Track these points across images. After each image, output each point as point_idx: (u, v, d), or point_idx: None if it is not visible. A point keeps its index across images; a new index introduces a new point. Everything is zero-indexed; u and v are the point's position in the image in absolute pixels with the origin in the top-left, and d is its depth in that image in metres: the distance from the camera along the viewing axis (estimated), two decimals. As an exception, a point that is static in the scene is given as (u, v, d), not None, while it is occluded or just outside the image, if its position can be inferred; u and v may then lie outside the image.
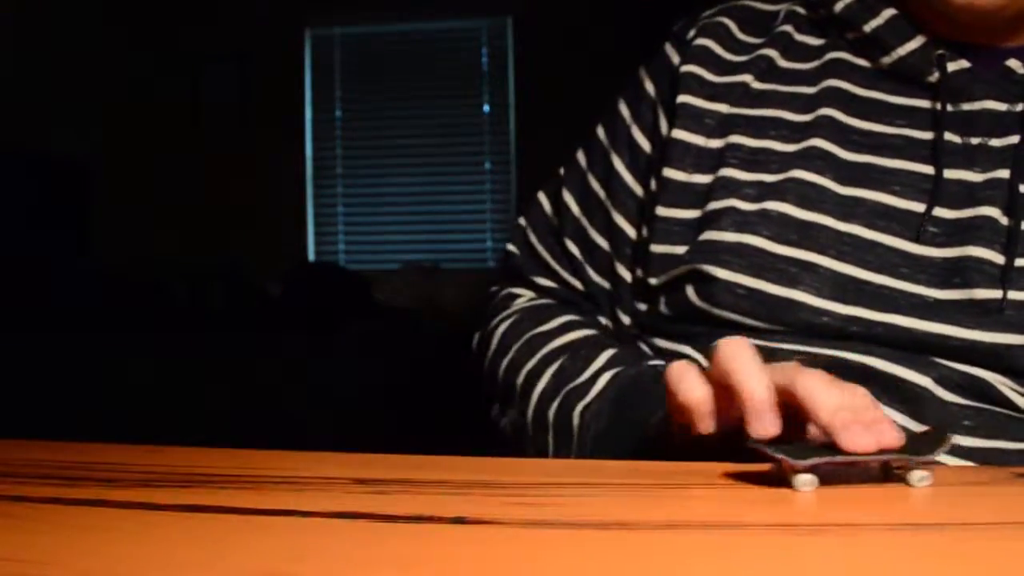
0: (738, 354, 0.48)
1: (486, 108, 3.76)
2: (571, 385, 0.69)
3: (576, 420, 0.67)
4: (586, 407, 0.67)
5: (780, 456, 0.43)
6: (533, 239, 0.83)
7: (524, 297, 0.83)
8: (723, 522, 0.38)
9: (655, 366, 0.67)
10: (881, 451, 0.43)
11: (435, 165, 3.79)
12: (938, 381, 0.61)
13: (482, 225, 3.79)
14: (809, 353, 0.63)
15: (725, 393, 0.48)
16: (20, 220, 3.06)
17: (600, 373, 0.68)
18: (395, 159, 3.82)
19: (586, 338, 0.74)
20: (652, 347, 0.73)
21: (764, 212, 0.66)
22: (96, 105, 3.74)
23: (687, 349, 0.68)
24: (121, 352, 2.34)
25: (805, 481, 0.43)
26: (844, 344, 0.63)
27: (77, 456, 0.54)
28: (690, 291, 0.67)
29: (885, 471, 0.45)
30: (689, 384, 0.50)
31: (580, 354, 0.71)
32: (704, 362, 0.65)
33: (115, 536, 0.36)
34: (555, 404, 0.69)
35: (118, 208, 3.70)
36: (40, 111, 3.51)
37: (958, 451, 0.60)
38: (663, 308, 0.71)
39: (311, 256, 3.86)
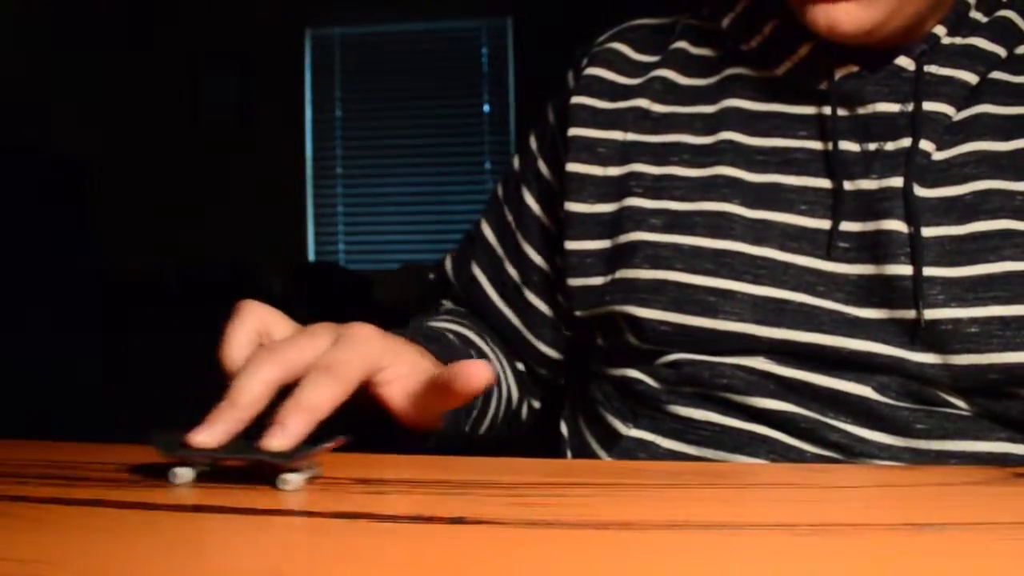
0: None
1: (486, 108, 3.77)
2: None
3: None
4: None
5: (170, 454, 0.44)
6: (448, 264, 0.84)
7: (446, 306, 0.84)
8: (723, 522, 0.38)
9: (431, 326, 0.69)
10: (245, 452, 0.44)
11: (435, 165, 3.79)
12: (878, 390, 0.61)
13: (482, 225, 3.79)
14: (749, 369, 0.63)
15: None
16: (20, 220, 3.06)
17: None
18: (395, 159, 3.82)
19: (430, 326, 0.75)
20: (599, 373, 0.73)
21: (676, 246, 0.65)
22: (96, 105, 3.74)
23: (633, 372, 0.68)
24: (121, 352, 2.34)
25: (175, 475, 0.45)
26: (782, 359, 0.63)
27: (77, 456, 0.54)
28: (619, 328, 0.68)
29: (260, 470, 0.45)
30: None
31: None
32: (653, 383, 0.66)
33: (115, 536, 0.36)
34: None
35: (118, 208, 3.70)
36: (40, 111, 3.51)
37: (919, 456, 0.60)
38: (599, 341, 0.72)
39: (311, 256, 3.86)
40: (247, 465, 0.45)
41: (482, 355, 0.73)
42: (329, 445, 0.46)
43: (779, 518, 0.39)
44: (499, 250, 0.80)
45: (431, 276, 0.87)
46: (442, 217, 3.80)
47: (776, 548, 0.34)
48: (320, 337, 0.50)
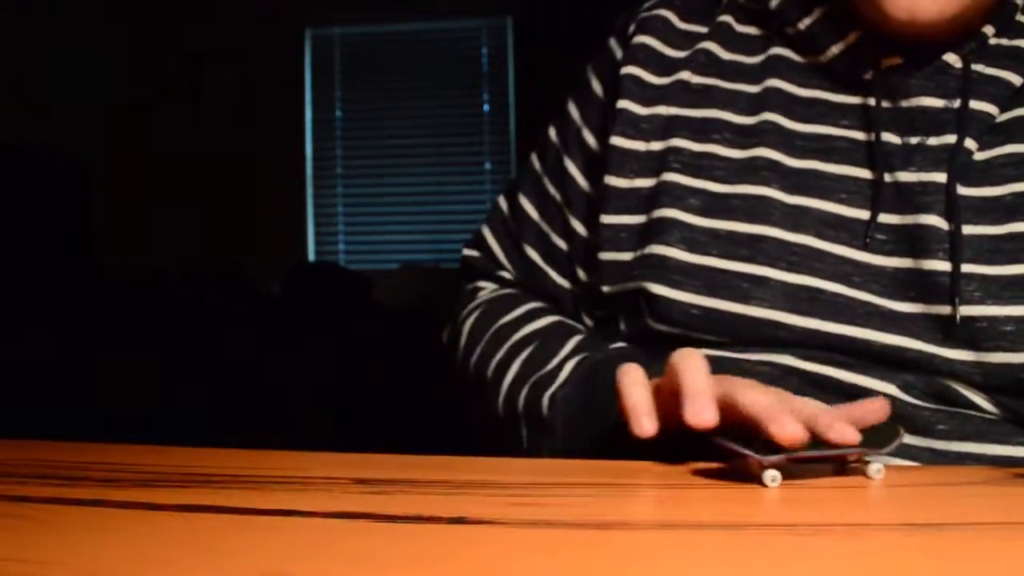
0: (687, 361, 0.51)
1: (486, 108, 3.76)
2: (540, 373, 0.69)
3: (546, 405, 0.67)
4: (554, 392, 0.67)
5: (747, 452, 0.45)
6: (493, 243, 0.83)
7: (487, 289, 0.83)
8: (723, 522, 0.38)
9: (621, 349, 0.68)
10: (838, 447, 0.46)
11: (435, 165, 3.79)
12: (903, 389, 0.61)
13: (482, 225, 3.79)
14: (773, 364, 0.63)
15: (675, 399, 0.50)
16: (20, 220, 3.06)
17: (567, 359, 0.69)
18: (395, 159, 3.82)
19: (552, 325, 0.74)
20: None
21: (713, 231, 0.65)
22: (96, 105, 3.74)
23: (657, 367, 0.68)
24: (121, 352, 2.34)
25: (771, 476, 0.45)
26: (806, 353, 0.62)
27: (77, 456, 0.54)
28: (643, 310, 0.67)
29: (843, 466, 0.49)
30: (629, 387, 0.51)
31: (547, 342, 0.71)
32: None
33: (115, 536, 0.36)
34: (524, 392, 0.70)
35: (118, 208, 3.70)
36: (40, 111, 3.51)
37: (938, 456, 0.60)
38: (622, 326, 0.71)
39: (311, 256, 3.86)
40: (827, 460, 0.47)
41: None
42: (895, 444, 0.48)
43: (779, 518, 0.39)
44: (543, 225, 0.79)
45: (470, 253, 0.85)
46: (442, 217, 3.79)
47: (776, 548, 0.34)
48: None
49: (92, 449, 0.56)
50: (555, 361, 0.69)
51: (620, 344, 0.69)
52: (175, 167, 3.82)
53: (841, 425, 0.46)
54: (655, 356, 0.67)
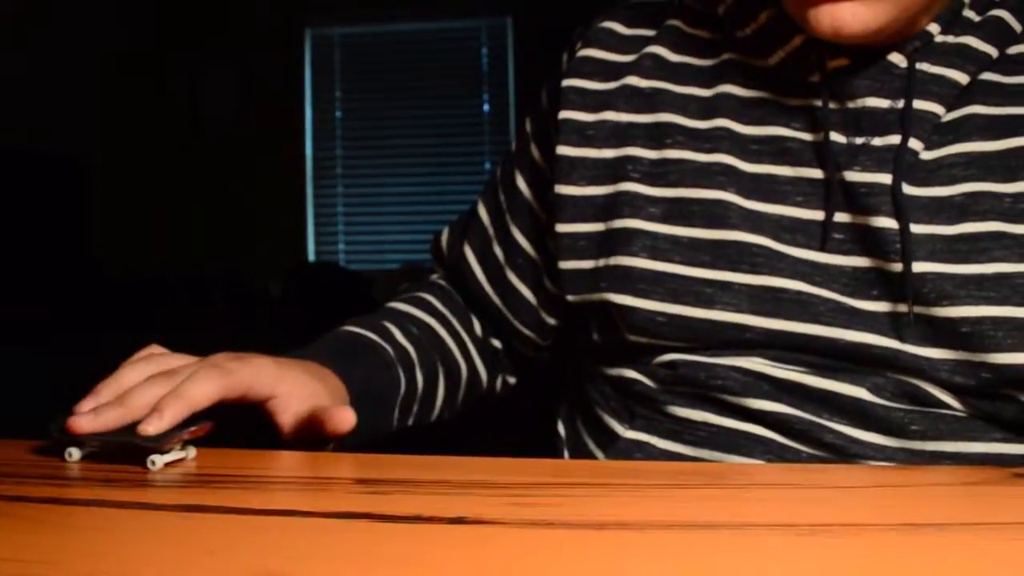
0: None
1: (486, 108, 3.77)
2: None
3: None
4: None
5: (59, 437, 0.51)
6: (444, 236, 0.86)
7: (425, 281, 0.86)
8: (723, 522, 0.38)
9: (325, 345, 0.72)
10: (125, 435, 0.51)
11: (435, 165, 3.79)
12: (873, 391, 0.61)
13: (482, 225, 3.79)
14: (743, 370, 0.63)
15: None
16: (20, 220, 3.06)
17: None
18: (395, 159, 3.82)
19: (388, 309, 0.78)
20: (596, 374, 0.73)
21: (675, 238, 0.65)
22: (96, 105, 3.74)
23: (630, 372, 0.68)
24: (121, 352, 2.34)
25: (72, 453, 0.52)
26: (774, 355, 0.63)
27: (77, 456, 0.54)
28: (612, 321, 0.68)
29: (137, 451, 0.51)
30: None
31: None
32: (650, 383, 0.66)
33: (115, 536, 0.36)
34: None
35: (118, 208, 3.70)
36: (40, 111, 3.51)
37: (913, 457, 0.60)
38: (595, 336, 0.72)
39: (311, 256, 3.86)
40: (126, 447, 0.51)
41: (423, 352, 0.75)
42: (194, 429, 0.52)
43: (779, 518, 0.39)
44: (490, 230, 0.81)
45: (433, 242, 0.89)
46: (442, 217, 3.79)
47: (776, 548, 0.34)
48: (212, 356, 0.58)
49: (92, 449, 0.56)
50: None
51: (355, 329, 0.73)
52: (175, 167, 3.82)
53: (155, 415, 0.51)
54: (633, 364, 0.68)
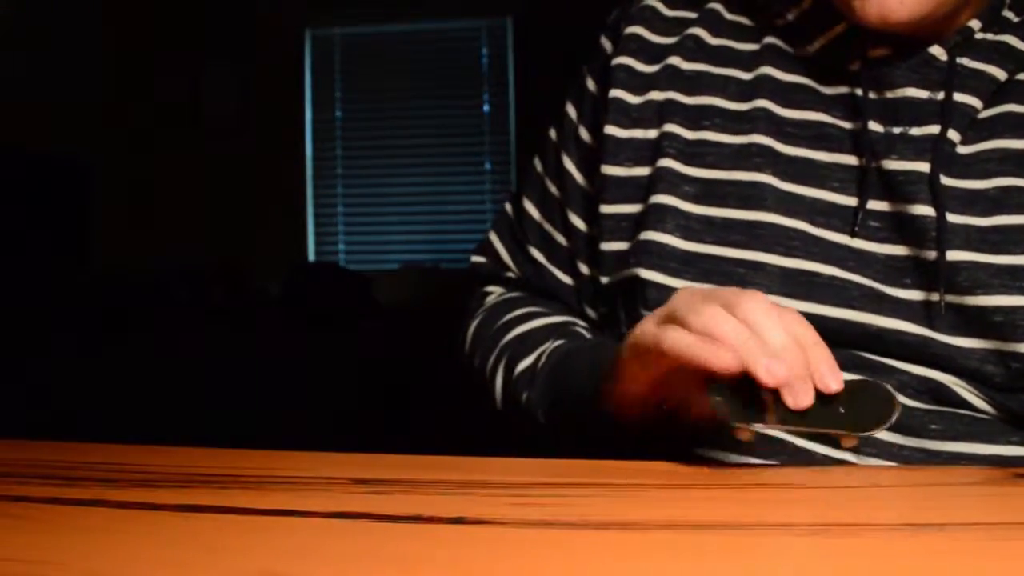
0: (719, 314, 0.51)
1: (486, 108, 3.76)
2: (518, 370, 0.71)
3: (524, 400, 0.70)
4: (529, 387, 0.70)
5: (738, 424, 0.48)
6: (499, 246, 0.84)
7: (495, 293, 0.84)
8: (723, 522, 0.38)
9: (591, 339, 0.70)
10: (824, 424, 0.47)
11: (435, 165, 3.79)
12: (898, 388, 0.61)
13: (482, 225, 3.79)
14: None
15: (679, 375, 0.52)
16: (20, 220, 3.06)
17: (542, 355, 0.70)
18: (395, 159, 3.81)
19: (544, 326, 0.75)
20: None
21: (708, 219, 0.65)
22: (96, 105, 3.74)
23: None
24: (121, 352, 2.34)
25: (747, 436, 0.50)
26: None
27: (77, 456, 0.54)
28: (638, 299, 0.67)
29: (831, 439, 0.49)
30: (677, 338, 0.51)
31: (528, 342, 0.73)
32: None
33: (115, 536, 0.36)
34: (512, 392, 0.72)
35: (118, 208, 3.70)
36: (40, 111, 3.51)
37: (931, 457, 0.60)
38: (622, 315, 0.71)
39: (311, 256, 3.86)
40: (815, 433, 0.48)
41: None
42: (888, 423, 0.48)
43: (779, 518, 0.39)
44: (546, 224, 0.80)
45: (477, 259, 0.86)
46: (442, 217, 3.79)
47: (776, 548, 0.34)
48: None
49: (92, 449, 0.56)
50: (532, 357, 0.71)
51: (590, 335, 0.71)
52: (175, 167, 3.81)
53: (800, 384, 0.47)
54: None
